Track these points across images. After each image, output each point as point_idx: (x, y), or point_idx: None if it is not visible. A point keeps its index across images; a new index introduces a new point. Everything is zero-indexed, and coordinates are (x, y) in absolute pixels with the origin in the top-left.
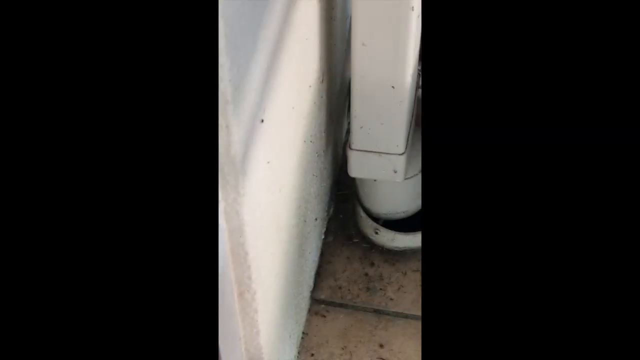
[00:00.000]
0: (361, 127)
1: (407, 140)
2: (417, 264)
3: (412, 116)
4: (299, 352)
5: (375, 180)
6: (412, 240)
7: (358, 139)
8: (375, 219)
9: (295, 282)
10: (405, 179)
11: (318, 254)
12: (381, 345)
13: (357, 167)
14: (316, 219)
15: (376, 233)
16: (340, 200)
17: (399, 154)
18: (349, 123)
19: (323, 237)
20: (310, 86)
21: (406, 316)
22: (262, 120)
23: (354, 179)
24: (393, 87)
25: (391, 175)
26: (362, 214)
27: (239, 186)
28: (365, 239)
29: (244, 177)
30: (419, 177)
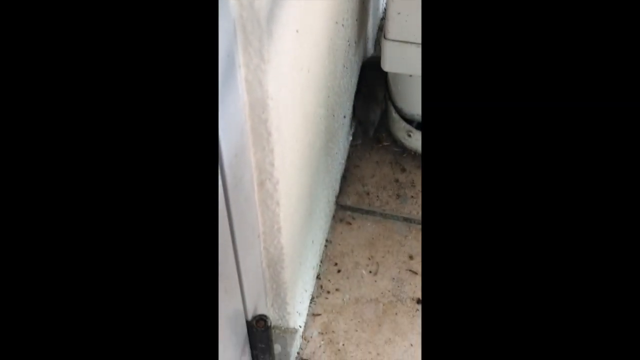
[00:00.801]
0: (398, 14)
1: None
2: None
3: None
4: (321, 261)
5: (410, 76)
6: None
7: (394, 27)
8: (409, 120)
9: (320, 183)
10: None
11: (345, 157)
12: (411, 257)
13: (392, 60)
14: (344, 117)
15: (409, 136)
16: None
17: None
18: (384, 10)
19: (351, 138)
20: None
21: None
22: None
23: (386, 76)
24: None
25: None
26: (395, 114)
27: (264, 50)
28: (396, 142)
29: (269, 40)
30: None
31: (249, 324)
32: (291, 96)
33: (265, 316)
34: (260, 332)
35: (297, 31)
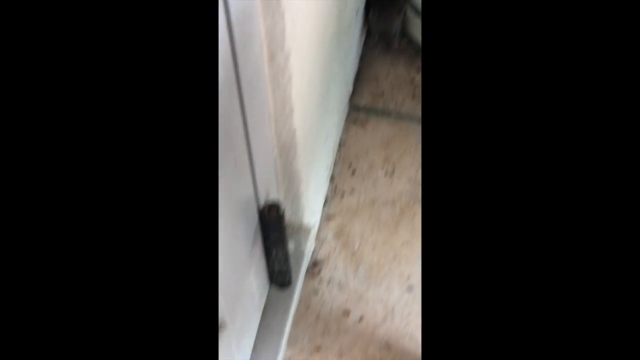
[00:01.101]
0: None
1: None
2: None
3: None
4: (335, 162)
5: None
6: None
7: None
8: None
9: (334, 76)
10: None
11: (358, 56)
12: None
13: None
14: (357, 13)
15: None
16: None
17: None
18: None
19: (364, 38)
20: None
21: None
22: None
23: None
24: None
25: None
26: (410, 11)
27: None
28: (412, 42)
29: None
30: None
31: (260, 213)
32: None
33: (277, 203)
34: (273, 221)
35: None
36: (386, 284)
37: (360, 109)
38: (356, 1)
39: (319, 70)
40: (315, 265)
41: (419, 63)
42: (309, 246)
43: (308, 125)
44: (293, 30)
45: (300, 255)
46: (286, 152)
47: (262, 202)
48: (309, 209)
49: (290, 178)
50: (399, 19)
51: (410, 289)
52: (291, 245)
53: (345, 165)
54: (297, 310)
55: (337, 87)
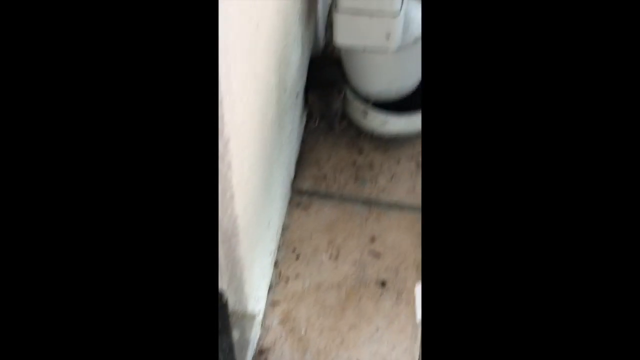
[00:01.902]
0: None
1: (402, 1)
2: (412, 151)
3: None
4: (279, 247)
5: (364, 52)
6: (407, 124)
7: None
8: (365, 99)
9: (275, 160)
10: (399, 48)
11: (299, 140)
12: (372, 239)
13: (345, 32)
14: (297, 95)
15: (365, 116)
16: None
17: (393, 15)
18: None
19: (305, 121)
20: None
21: (400, 207)
22: None
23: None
24: None
25: (383, 42)
26: (349, 94)
27: None
28: (352, 123)
29: None
30: (415, 47)
31: None
32: (240, 45)
33: (220, 292)
34: None
35: None
36: None
37: (303, 192)
38: (296, 84)
39: (260, 155)
40: (261, 354)
41: (360, 144)
42: (254, 334)
43: (250, 212)
44: (232, 118)
45: (245, 343)
46: (228, 240)
47: None
48: (253, 295)
49: (233, 265)
50: (339, 100)
51: None
52: (235, 334)
53: (289, 249)
54: None
55: (279, 171)
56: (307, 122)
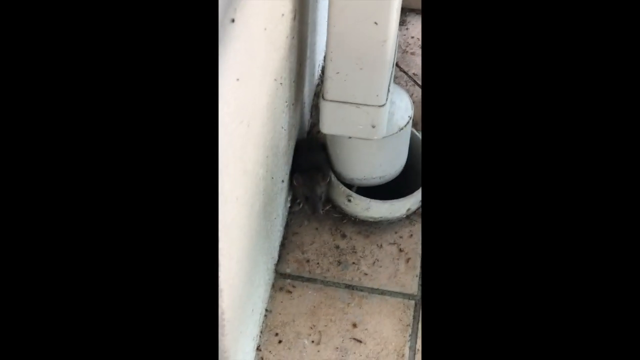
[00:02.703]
0: (337, 73)
1: (388, 91)
2: (393, 236)
3: (393, 66)
4: (261, 332)
5: (349, 138)
6: (389, 210)
7: (333, 87)
8: (348, 185)
9: (260, 248)
10: (384, 136)
11: (283, 224)
12: (354, 325)
13: (331, 121)
14: (283, 181)
15: (349, 201)
16: None
17: (379, 106)
18: (322, 72)
19: (289, 205)
20: (282, 15)
21: (382, 292)
22: (233, 20)
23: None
24: (376, 23)
25: (369, 132)
26: (334, 179)
27: None
28: (336, 207)
29: None
30: (399, 135)
31: None
32: (231, 149)
33: None
34: None
35: (237, 80)
36: None
37: (286, 276)
38: (282, 171)
39: (247, 248)
40: None
41: (343, 229)
42: None
43: (237, 304)
44: (223, 217)
45: None
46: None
47: None
48: None
49: (218, 358)
50: (323, 185)
51: None
52: None
53: (271, 334)
54: None
55: (263, 257)
56: (292, 205)
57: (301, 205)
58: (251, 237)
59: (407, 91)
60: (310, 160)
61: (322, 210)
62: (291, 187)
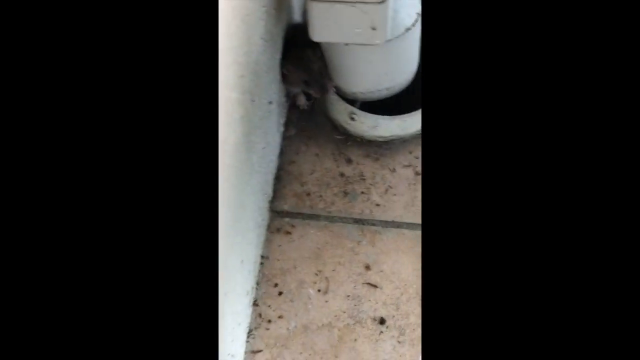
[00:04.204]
0: None
1: None
2: (408, 157)
3: None
4: (257, 283)
5: (347, 45)
6: (401, 126)
7: None
8: (351, 100)
9: (244, 187)
10: (388, 40)
11: (277, 152)
12: (367, 267)
13: (322, 26)
14: (270, 102)
15: (352, 119)
16: None
17: (379, 2)
18: None
19: (282, 129)
20: None
21: (398, 225)
22: None
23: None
24: None
25: (369, 36)
26: (333, 94)
27: None
28: (338, 128)
29: None
30: (407, 38)
31: None
32: None
33: None
34: None
35: None
36: None
37: (283, 214)
38: (266, 90)
39: (224, 189)
40: None
41: (348, 153)
42: None
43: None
44: None
45: None
46: None
47: None
48: (227, 355)
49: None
50: (317, 59)
51: None
52: None
53: (269, 285)
54: None
55: (252, 196)
56: (286, 128)
57: (301, 103)
58: (228, 179)
59: None
60: (299, 46)
61: (330, 87)
62: (283, 80)
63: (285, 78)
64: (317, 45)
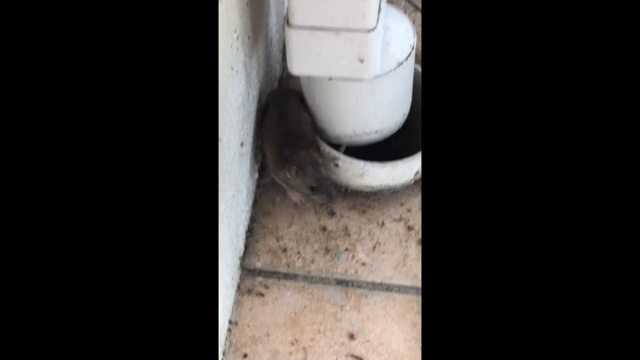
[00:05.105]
0: None
1: (379, 10)
2: (399, 210)
3: None
4: (224, 353)
5: (330, 80)
6: (391, 174)
7: (301, 7)
8: (334, 145)
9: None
10: (377, 76)
11: (250, 201)
12: (351, 336)
13: (302, 57)
14: (242, 144)
15: (336, 166)
16: None
17: (368, 30)
18: None
19: (256, 175)
20: None
21: (387, 288)
22: None
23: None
24: None
25: (356, 69)
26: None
27: None
28: None
29: None
30: (399, 73)
31: None
32: None
33: None
34: None
35: None
36: None
37: (256, 273)
38: (238, 130)
39: None
40: None
41: (330, 205)
42: None
43: None
44: None
45: None
46: None
47: None
48: None
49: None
50: (321, 157)
51: None
52: None
53: (238, 356)
54: None
55: (221, 252)
56: (260, 177)
57: (269, 178)
58: None
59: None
60: (285, 124)
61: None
62: (275, 174)
63: (283, 177)
64: (313, 139)
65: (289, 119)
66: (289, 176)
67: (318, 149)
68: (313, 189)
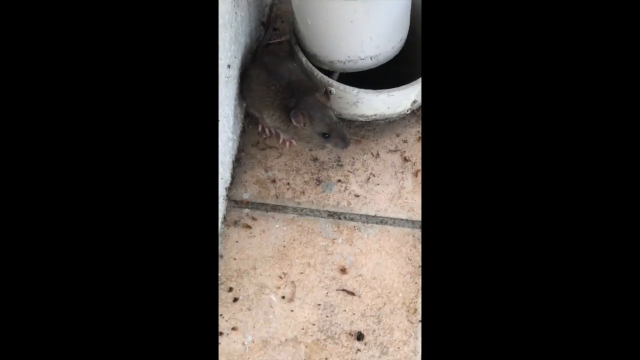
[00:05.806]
0: None
1: None
2: (394, 141)
3: None
4: None
5: None
6: (387, 103)
7: None
8: (327, 71)
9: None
10: None
11: (237, 130)
12: (343, 270)
13: None
14: (229, 66)
15: (330, 93)
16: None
17: None
18: None
19: (245, 104)
20: None
21: (382, 221)
22: None
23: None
24: None
25: None
26: (306, 62)
27: None
28: None
29: None
30: None
31: None
32: None
33: None
34: None
35: None
36: None
37: (243, 204)
38: (227, 51)
39: None
40: None
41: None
42: None
43: None
44: None
45: None
46: None
47: None
48: None
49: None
50: (328, 102)
51: None
52: None
53: (223, 289)
54: None
55: None
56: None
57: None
58: None
59: None
60: (277, 78)
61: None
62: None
63: (292, 130)
64: (317, 82)
65: (279, 72)
66: (296, 125)
67: (326, 93)
68: (325, 136)
